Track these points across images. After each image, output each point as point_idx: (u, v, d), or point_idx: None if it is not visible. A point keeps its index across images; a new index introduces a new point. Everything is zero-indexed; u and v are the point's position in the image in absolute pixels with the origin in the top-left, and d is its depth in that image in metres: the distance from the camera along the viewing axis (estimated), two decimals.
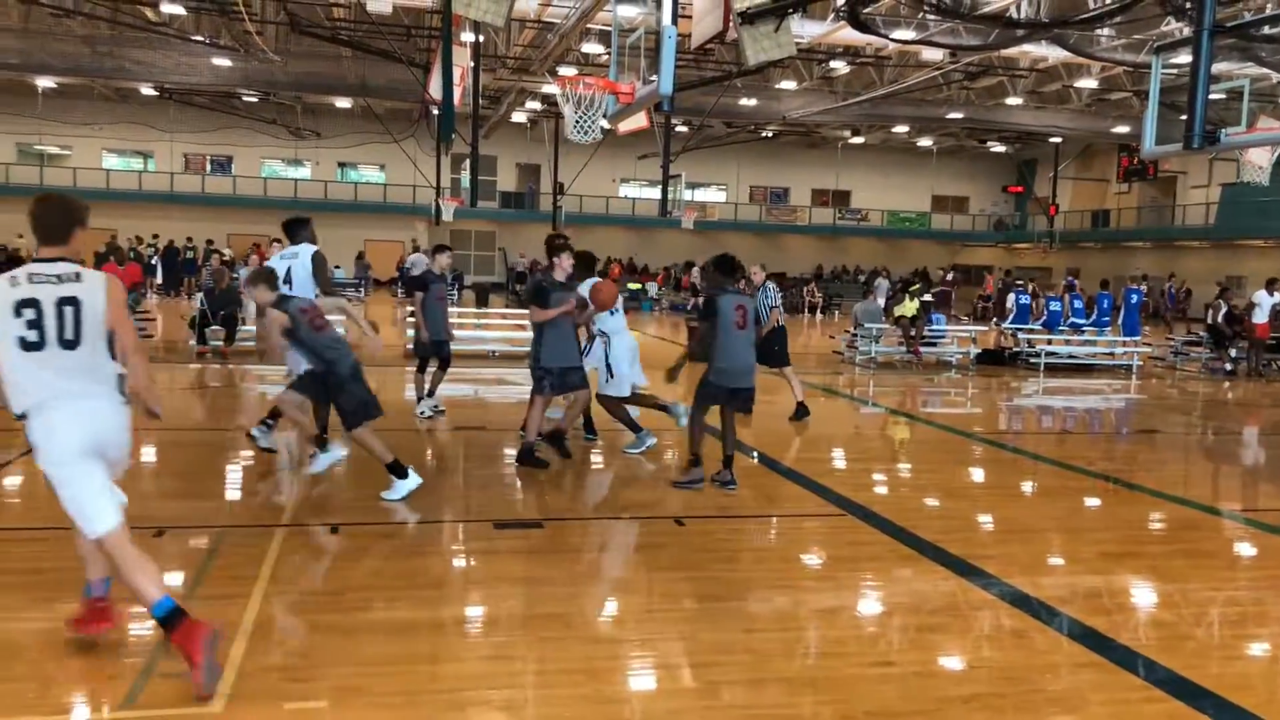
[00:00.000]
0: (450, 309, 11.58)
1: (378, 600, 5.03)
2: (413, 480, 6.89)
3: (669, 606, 5.17)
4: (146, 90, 37.73)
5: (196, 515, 6.56)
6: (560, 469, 8.41)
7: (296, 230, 8.29)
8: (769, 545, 6.63)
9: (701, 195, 47.87)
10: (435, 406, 10.68)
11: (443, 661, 4.37)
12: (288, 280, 7.81)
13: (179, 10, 27.44)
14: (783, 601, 5.32)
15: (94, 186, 42.17)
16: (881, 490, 8.41)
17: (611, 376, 8.79)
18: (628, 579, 5.77)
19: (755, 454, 9.19)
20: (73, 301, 3.99)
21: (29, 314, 3.94)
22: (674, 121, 32.43)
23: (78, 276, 4.05)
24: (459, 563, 5.95)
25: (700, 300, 11.59)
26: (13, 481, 7.59)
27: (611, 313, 8.81)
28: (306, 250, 8.11)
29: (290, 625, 4.68)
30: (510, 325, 19.59)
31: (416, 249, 30.37)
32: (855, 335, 18.27)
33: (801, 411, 11.23)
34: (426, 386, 10.66)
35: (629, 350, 8.93)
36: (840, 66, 31.48)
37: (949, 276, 23.54)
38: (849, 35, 23.50)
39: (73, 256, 4.18)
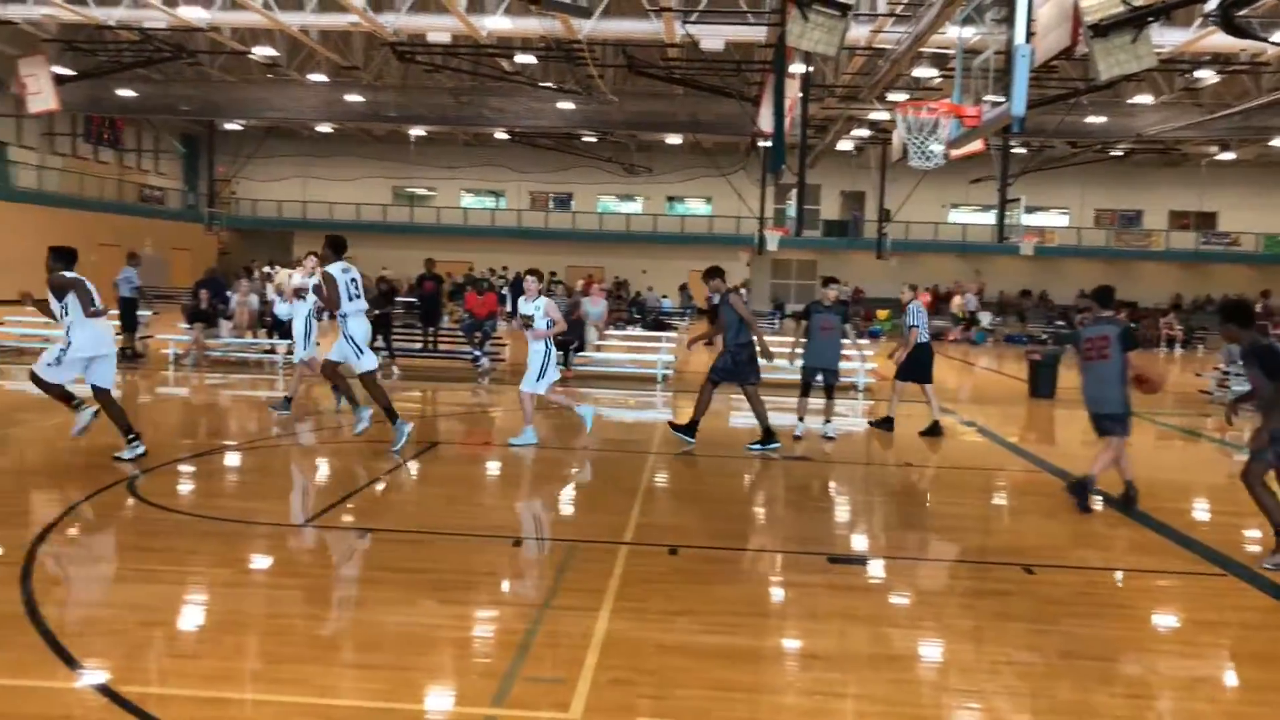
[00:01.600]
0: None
1: (721, 625, 5.09)
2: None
3: (1020, 659, 4.83)
4: (500, 135, 41.32)
5: (548, 528, 6.99)
6: (905, 505, 8.16)
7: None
8: (1132, 601, 6.03)
9: (1041, 219, 45.07)
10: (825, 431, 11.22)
11: (785, 693, 4.33)
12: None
13: (531, 60, 29.81)
14: (1158, 665, 4.81)
15: (453, 223, 46.80)
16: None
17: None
18: (971, 626, 5.46)
19: (1101, 498, 8.41)
20: None
21: None
22: (1011, 143, 30.85)
23: None
24: (794, 594, 5.91)
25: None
26: (396, 488, 8.46)
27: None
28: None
29: (639, 641, 4.83)
30: None
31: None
32: (1227, 373, 16.36)
33: (934, 429, 11.51)
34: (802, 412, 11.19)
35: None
36: (1208, 76, 28.54)
37: None
38: (1219, 41, 21.23)
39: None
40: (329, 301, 9.33)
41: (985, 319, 36.64)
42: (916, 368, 11.73)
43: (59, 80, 29.31)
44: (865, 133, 37.41)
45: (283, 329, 17.61)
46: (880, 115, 30.66)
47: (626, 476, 8.93)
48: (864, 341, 20.37)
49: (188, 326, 17.25)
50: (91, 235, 37.45)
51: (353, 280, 9.43)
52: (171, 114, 39.13)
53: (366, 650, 4.64)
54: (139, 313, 17.65)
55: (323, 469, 9.09)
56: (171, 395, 12.48)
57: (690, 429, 10.42)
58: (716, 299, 10.64)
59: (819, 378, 11.16)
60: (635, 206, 48.50)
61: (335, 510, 7.32)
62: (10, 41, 30.49)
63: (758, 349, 10.11)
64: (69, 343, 8.35)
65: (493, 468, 9.83)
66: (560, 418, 12.28)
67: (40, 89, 28.28)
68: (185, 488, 8.15)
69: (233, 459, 9.44)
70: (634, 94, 33.94)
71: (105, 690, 4.05)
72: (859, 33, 22.54)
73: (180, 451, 9.27)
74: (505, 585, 5.79)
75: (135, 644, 4.60)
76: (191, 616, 5.12)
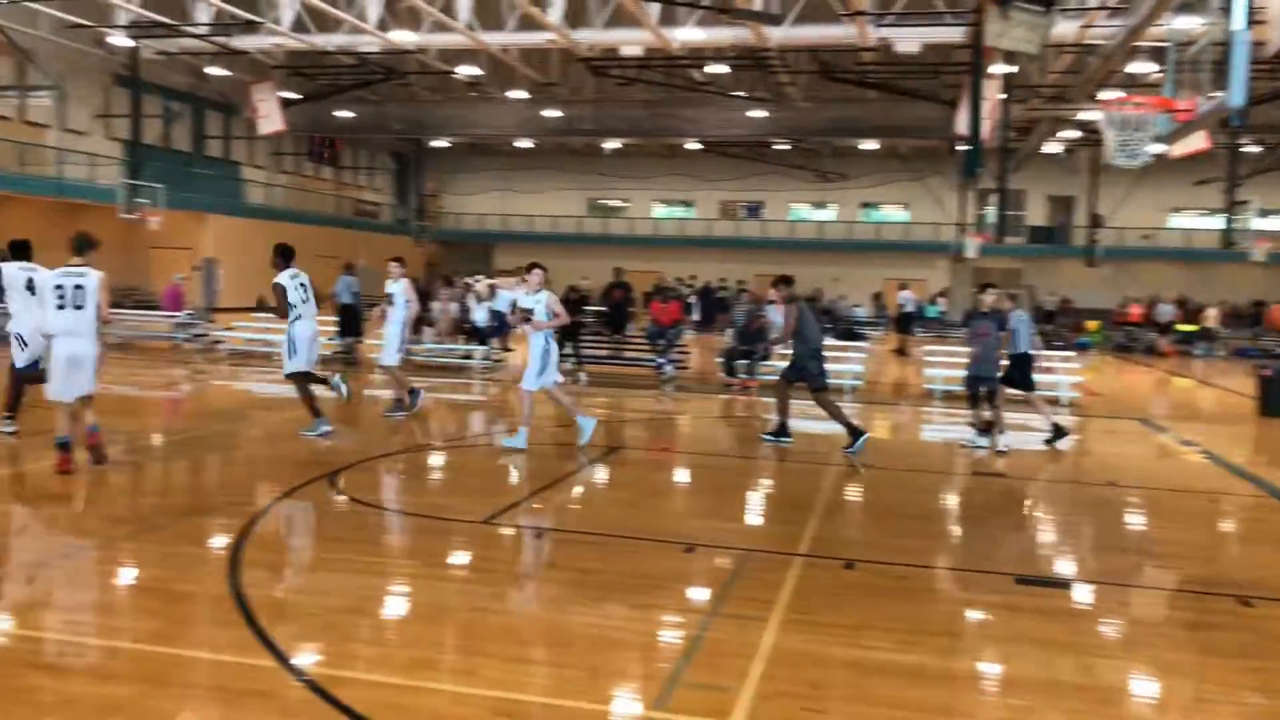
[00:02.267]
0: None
1: (890, 641, 4.91)
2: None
3: (1229, 699, 4.41)
4: (691, 145, 41.69)
5: (722, 536, 6.95)
6: (1103, 526, 7.65)
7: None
8: None
9: (1276, 224, 41.36)
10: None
11: (955, 715, 4.13)
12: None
13: (722, 69, 29.91)
14: None
15: (645, 234, 47.53)
16: None
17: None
18: (1172, 659, 5.03)
19: None
20: None
21: None
22: (1241, 141, 28.48)
23: None
24: (975, 614, 5.63)
25: None
26: (576, 490, 8.64)
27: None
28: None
29: (806, 655, 4.72)
30: (1035, 368, 18.41)
31: (904, 287, 29.98)
32: None
33: (1058, 433, 10.95)
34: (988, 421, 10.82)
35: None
36: None
37: None
38: None
39: None
40: (278, 309, 9.87)
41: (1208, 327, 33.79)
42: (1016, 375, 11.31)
43: (285, 104, 31.74)
44: (1074, 134, 35.43)
45: (480, 335, 18.39)
46: (1091, 115, 28.99)
47: (805, 487, 8.79)
48: (1070, 353, 19.29)
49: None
50: (311, 247, 39.93)
51: (301, 285, 9.96)
52: (384, 133, 41.62)
53: (534, 646, 4.74)
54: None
55: (510, 470, 9.39)
56: (376, 396, 13.22)
57: (782, 431, 10.63)
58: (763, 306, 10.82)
59: (981, 388, 10.75)
60: (828, 214, 47.81)
61: (518, 509, 7.54)
62: (244, 69, 33.18)
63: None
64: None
65: (673, 474, 9.88)
66: (748, 428, 12.23)
67: (269, 112, 30.71)
68: (383, 484, 8.60)
69: (429, 458, 9.89)
70: (827, 100, 33.48)
71: (297, 671, 4.31)
72: (1066, 28, 21.42)
73: (381, 449, 9.79)
74: (674, 590, 5.79)
75: (327, 628, 4.87)
76: (380, 606, 5.38)
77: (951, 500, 8.94)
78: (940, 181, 40.94)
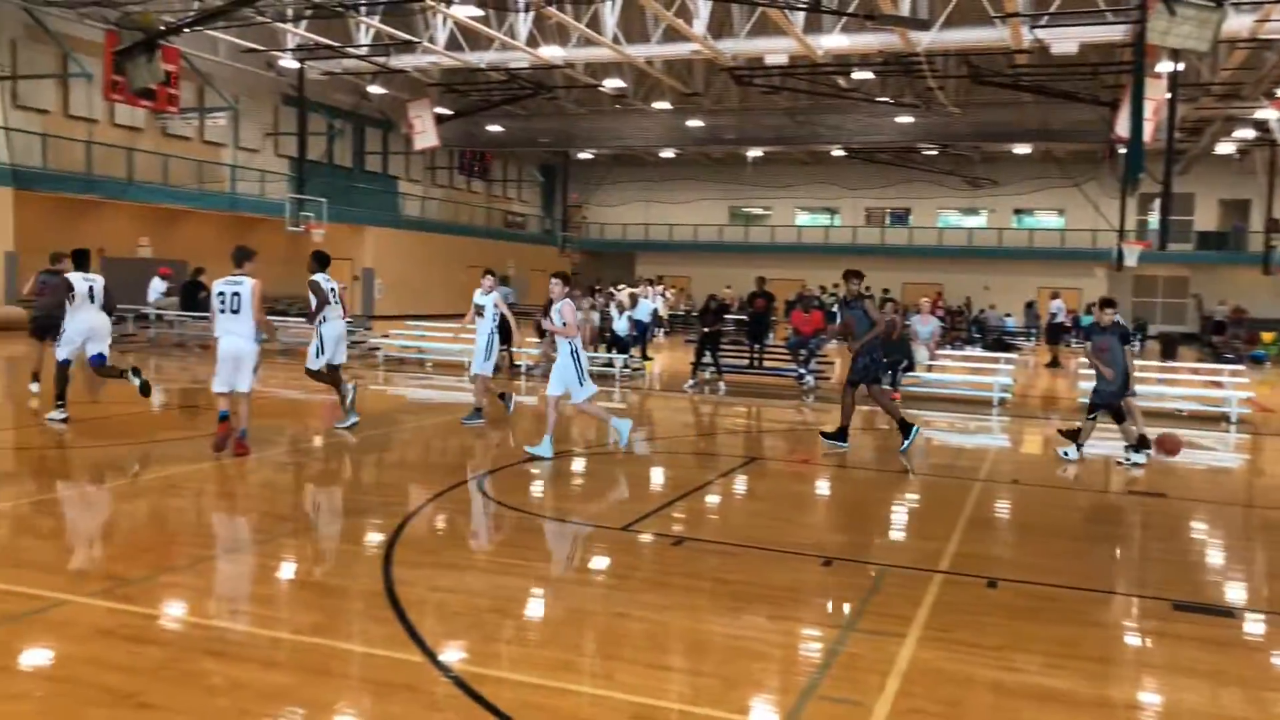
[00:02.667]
0: (1133, 360, 10.79)
1: (1036, 663, 4.76)
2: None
3: None
4: (835, 152, 41.20)
5: (861, 550, 6.87)
6: (1269, 550, 7.20)
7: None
8: None
9: None
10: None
11: None
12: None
13: (867, 75, 29.47)
14: None
15: (787, 241, 47.23)
16: None
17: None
18: None
19: None
20: None
21: None
22: None
23: None
24: (1130, 640, 5.40)
25: None
26: (711, 499, 8.68)
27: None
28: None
29: (945, 673, 4.64)
30: (1201, 382, 17.45)
31: (1055, 296, 28.68)
32: None
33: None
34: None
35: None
36: None
37: None
38: None
39: None
40: (317, 308, 10.71)
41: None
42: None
43: (439, 120, 32.95)
44: (1249, 134, 33.38)
45: (621, 344, 18.66)
46: (1268, 114, 27.24)
47: (950, 503, 8.58)
48: (1239, 366, 18.17)
49: (538, 340, 18.70)
50: (462, 257, 41.59)
51: (332, 289, 10.81)
52: (532, 146, 42.72)
53: (671, 654, 4.81)
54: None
55: (651, 477, 9.51)
56: (520, 404, 13.58)
57: (841, 435, 10.83)
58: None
59: (1110, 402, 10.43)
60: (978, 220, 46.41)
61: (655, 517, 7.64)
62: (401, 87, 34.64)
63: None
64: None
65: (811, 486, 9.81)
66: (885, 439, 12.03)
67: (424, 128, 31.97)
68: (527, 488, 8.85)
69: (570, 464, 10.11)
70: (977, 104, 32.58)
71: (443, 667, 4.50)
72: (1240, 23, 20.25)
73: (524, 455, 10.06)
74: (811, 603, 5.77)
75: (472, 627, 5.07)
76: (523, 607, 5.55)
77: (1104, 519, 8.57)
78: (1098, 186, 39.14)
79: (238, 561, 6.27)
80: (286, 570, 6.09)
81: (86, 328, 10.47)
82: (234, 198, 32.12)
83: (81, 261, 10.83)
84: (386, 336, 21.29)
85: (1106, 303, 10.93)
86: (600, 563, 6.50)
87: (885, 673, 4.51)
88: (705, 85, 34.56)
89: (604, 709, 4.15)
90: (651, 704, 4.19)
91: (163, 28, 21.55)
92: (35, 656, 4.55)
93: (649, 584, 5.91)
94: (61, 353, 10.58)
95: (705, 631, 5.11)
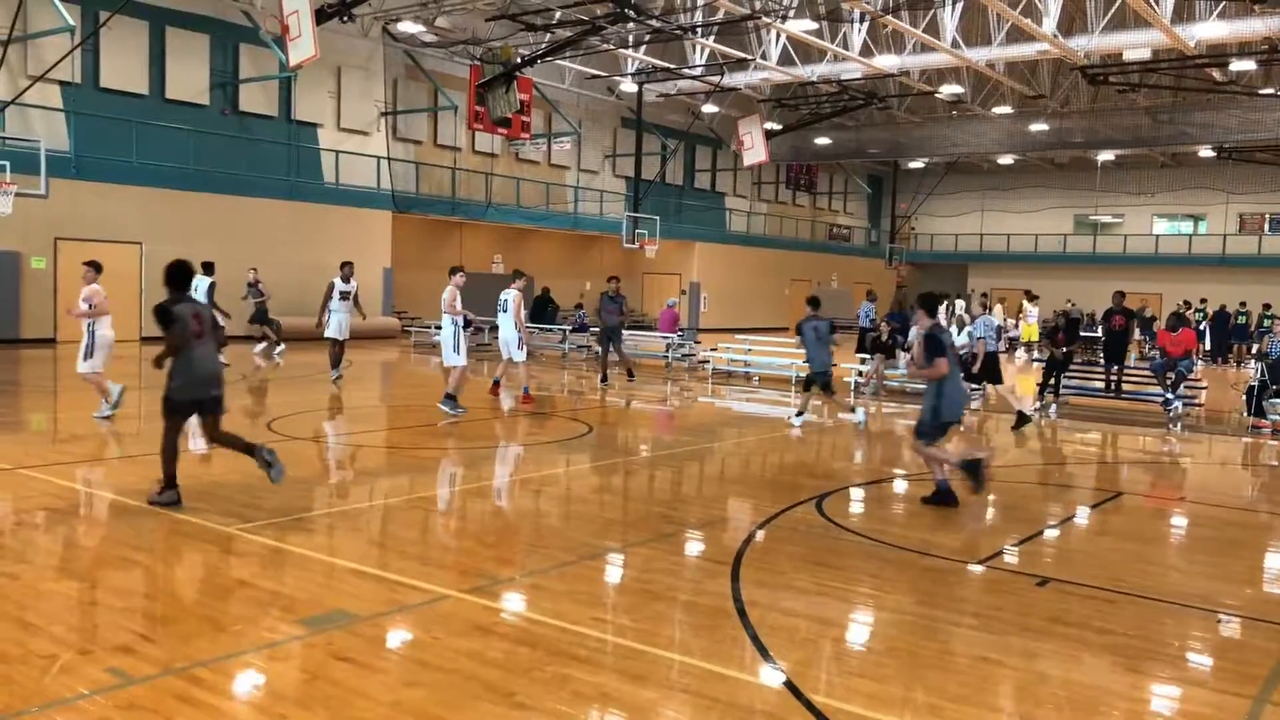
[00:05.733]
0: None
1: None
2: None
3: None
4: (1203, 152, 37.15)
5: (1258, 606, 6.00)
6: None
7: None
8: None
9: None
10: None
11: None
12: None
13: (1248, 66, 26.31)
14: None
15: (1142, 252, 43.14)
16: None
17: None
18: None
19: None
20: None
21: None
22: None
23: None
24: None
25: None
26: (1074, 536, 7.96)
27: None
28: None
29: None
30: None
31: None
32: None
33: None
34: None
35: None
36: None
37: None
38: None
39: None
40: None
41: None
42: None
43: (768, 135, 33.26)
44: None
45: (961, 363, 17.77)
46: None
47: None
48: None
49: (868, 356, 18.27)
50: (786, 271, 41.66)
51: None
52: (861, 157, 42.04)
53: (1045, 708, 4.39)
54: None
55: (994, 507, 8.92)
56: (897, 418, 13.29)
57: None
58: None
59: None
60: None
61: (1009, 552, 7.12)
62: (731, 105, 35.32)
63: None
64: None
65: (1182, 525, 8.77)
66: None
67: (753, 144, 32.41)
68: (863, 511, 8.58)
69: (904, 487, 9.71)
70: None
71: (804, 698, 4.38)
72: None
73: (859, 476, 9.79)
74: (1205, 664, 5.09)
75: (827, 658, 4.92)
76: (879, 640, 5.33)
77: None
78: None
79: (594, 568, 6.50)
80: (640, 580, 6.23)
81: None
82: (576, 217, 34.18)
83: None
84: (715, 350, 21.67)
85: None
86: (958, 599, 6.11)
87: None
88: (1051, 86, 32.39)
89: None
90: None
91: (519, 59, 23.33)
92: (424, 649, 4.92)
93: (1015, 627, 5.47)
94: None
95: (1082, 685, 4.63)
